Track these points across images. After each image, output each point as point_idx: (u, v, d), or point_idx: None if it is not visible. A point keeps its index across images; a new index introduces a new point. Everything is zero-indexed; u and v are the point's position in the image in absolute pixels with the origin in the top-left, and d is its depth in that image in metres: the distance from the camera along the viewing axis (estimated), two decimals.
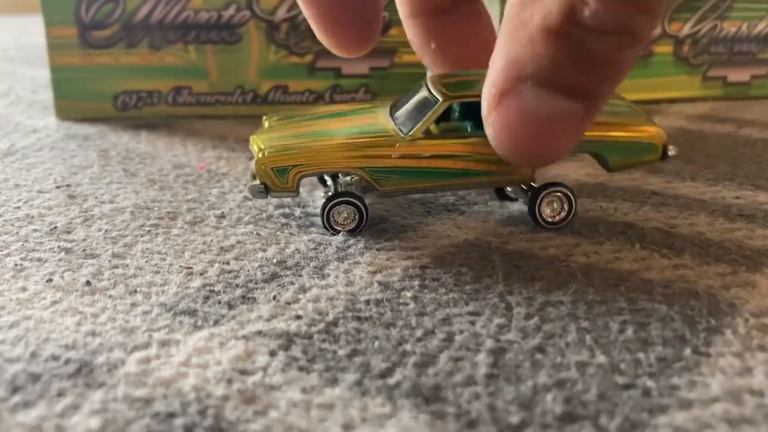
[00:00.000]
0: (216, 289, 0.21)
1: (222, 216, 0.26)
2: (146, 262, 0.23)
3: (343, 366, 0.17)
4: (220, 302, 0.20)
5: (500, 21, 0.21)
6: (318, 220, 0.26)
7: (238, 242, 0.24)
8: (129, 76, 0.40)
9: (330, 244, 0.24)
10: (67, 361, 0.17)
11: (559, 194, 0.25)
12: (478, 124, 0.22)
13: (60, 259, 0.23)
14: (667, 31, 0.44)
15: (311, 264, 0.22)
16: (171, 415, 0.15)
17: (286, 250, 0.24)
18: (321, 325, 0.19)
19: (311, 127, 0.26)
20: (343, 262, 0.23)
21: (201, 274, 0.22)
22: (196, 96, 0.41)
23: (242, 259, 0.23)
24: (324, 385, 0.16)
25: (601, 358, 0.17)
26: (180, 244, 0.24)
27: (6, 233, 0.25)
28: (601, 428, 0.15)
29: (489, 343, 0.18)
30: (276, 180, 0.24)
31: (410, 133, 0.24)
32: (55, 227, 0.25)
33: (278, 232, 0.25)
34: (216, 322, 0.19)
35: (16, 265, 0.22)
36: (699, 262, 0.22)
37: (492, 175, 0.25)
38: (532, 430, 0.15)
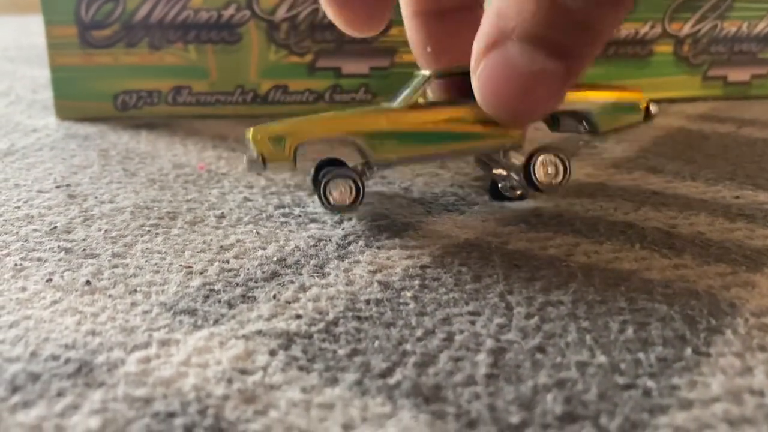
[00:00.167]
0: (216, 288, 0.21)
1: (222, 216, 0.26)
2: (146, 261, 0.23)
3: (343, 366, 0.17)
4: (220, 301, 0.20)
5: None
6: (318, 217, 0.26)
7: (238, 241, 0.24)
8: (129, 75, 0.40)
9: (330, 241, 0.24)
10: (67, 361, 0.17)
11: (552, 158, 0.25)
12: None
13: (60, 259, 0.23)
14: (668, 31, 0.44)
15: (311, 262, 0.22)
16: (171, 415, 0.15)
17: (286, 248, 0.24)
18: (321, 325, 0.19)
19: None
20: (343, 261, 0.23)
21: (201, 273, 0.22)
22: (196, 96, 0.41)
23: (242, 258, 0.23)
24: (324, 384, 0.16)
25: (602, 358, 0.17)
26: (180, 244, 0.24)
27: (6, 233, 0.25)
28: (602, 428, 0.15)
29: (489, 343, 0.18)
30: (272, 148, 0.24)
31: (399, 101, 0.25)
32: (55, 227, 0.25)
33: (278, 231, 0.25)
34: (216, 322, 0.19)
35: (15, 264, 0.22)
36: (699, 261, 0.22)
37: (484, 138, 0.25)
38: (533, 430, 0.15)
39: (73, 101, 0.40)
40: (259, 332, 0.18)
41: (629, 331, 0.18)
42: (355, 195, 0.25)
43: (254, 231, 0.25)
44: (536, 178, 0.25)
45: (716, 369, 0.17)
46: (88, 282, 0.21)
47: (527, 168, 0.25)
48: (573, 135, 0.30)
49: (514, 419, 0.15)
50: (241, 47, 0.40)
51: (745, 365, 0.17)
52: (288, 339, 0.18)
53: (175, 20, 0.40)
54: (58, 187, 0.29)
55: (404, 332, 0.18)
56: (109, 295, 0.20)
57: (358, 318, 0.19)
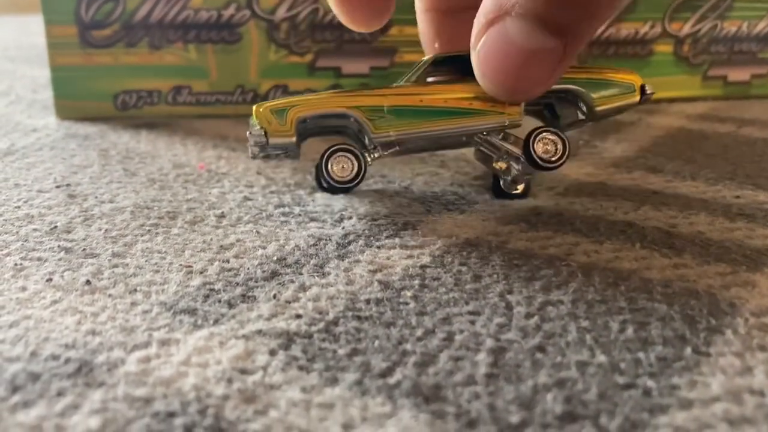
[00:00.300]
0: (216, 287, 0.21)
1: (222, 215, 0.26)
2: (146, 261, 0.23)
3: (343, 365, 0.17)
4: (220, 301, 0.20)
5: None
6: (318, 216, 0.26)
7: (238, 240, 0.24)
8: (129, 75, 0.40)
9: (330, 240, 0.24)
10: (67, 361, 0.17)
11: (551, 136, 0.25)
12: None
13: (60, 259, 0.23)
14: (668, 31, 0.44)
15: (311, 262, 0.22)
16: (171, 415, 0.15)
17: (286, 247, 0.24)
18: (321, 325, 0.19)
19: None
20: (343, 261, 0.23)
21: (201, 273, 0.22)
22: (196, 95, 0.41)
23: (242, 257, 0.23)
24: (324, 384, 0.16)
25: (602, 358, 0.17)
26: (180, 243, 0.24)
27: (6, 233, 0.25)
28: (602, 428, 0.15)
29: (489, 343, 0.18)
30: (274, 121, 0.25)
31: (402, 82, 0.26)
32: (55, 227, 0.25)
33: (278, 230, 0.25)
34: (216, 321, 0.19)
35: (16, 264, 0.22)
36: (699, 261, 0.22)
37: (482, 114, 0.25)
38: (532, 430, 0.15)
39: (73, 101, 0.40)
40: (259, 332, 0.18)
41: (629, 331, 0.18)
42: (357, 171, 0.25)
43: (254, 230, 0.25)
44: (536, 154, 0.25)
45: (716, 369, 0.17)
46: (88, 282, 0.21)
47: (526, 145, 0.25)
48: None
49: (514, 419, 0.15)
50: (241, 47, 0.40)
51: (745, 365, 0.17)
52: (288, 339, 0.18)
53: (175, 20, 0.40)
54: (58, 186, 0.29)
55: (404, 332, 0.18)
56: (109, 295, 0.20)
57: (358, 318, 0.19)
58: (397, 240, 0.24)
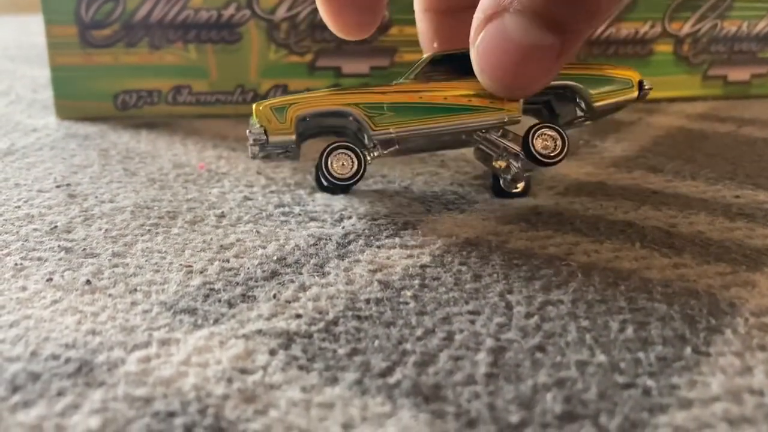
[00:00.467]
0: (216, 287, 0.21)
1: (222, 215, 0.26)
2: (146, 260, 0.23)
3: (343, 365, 0.17)
4: (220, 301, 0.20)
5: None
6: (318, 216, 0.26)
7: (238, 240, 0.24)
8: (129, 75, 0.40)
9: (330, 240, 0.24)
10: (67, 360, 0.17)
11: (550, 131, 0.25)
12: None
13: (60, 259, 0.23)
14: (668, 30, 0.44)
15: (311, 261, 0.22)
16: (171, 415, 0.15)
17: (286, 246, 0.24)
18: (321, 324, 0.19)
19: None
20: (343, 260, 0.23)
21: (201, 273, 0.22)
22: (196, 95, 0.41)
23: (242, 257, 0.23)
24: (324, 384, 0.16)
25: (601, 358, 0.17)
26: (180, 243, 0.24)
27: (6, 232, 0.25)
28: (601, 427, 0.15)
29: (489, 342, 0.18)
30: (274, 119, 0.25)
31: (401, 80, 0.26)
32: (55, 226, 0.25)
33: (278, 229, 0.25)
34: (216, 321, 0.19)
35: (16, 264, 0.22)
36: (699, 261, 0.22)
37: (480, 111, 0.25)
38: (532, 430, 0.15)
39: (73, 101, 0.40)
40: (259, 332, 0.18)
41: (629, 331, 0.18)
42: (356, 168, 0.25)
43: (254, 230, 0.25)
44: (535, 149, 0.25)
45: (716, 368, 0.17)
46: (88, 281, 0.21)
47: (526, 140, 0.25)
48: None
49: (514, 418, 0.15)
50: (241, 47, 0.40)
51: (744, 365, 0.17)
52: (288, 338, 0.18)
53: (175, 20, 0.40)
54: (58, 186, 0.29)
55: (404, 331, 0.18)
56: (110, 295, 0.20)
57: (358, 317, 0.19)
58: (397, 240, 0.24)
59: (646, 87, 0.27)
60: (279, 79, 0.41)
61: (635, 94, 0.27)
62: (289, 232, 0.25)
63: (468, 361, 0.17)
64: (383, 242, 0.24)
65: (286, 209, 0.27)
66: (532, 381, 0.16)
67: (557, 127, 0.25)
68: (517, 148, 0.26)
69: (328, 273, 0.22)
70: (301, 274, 0.22)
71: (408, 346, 0.18)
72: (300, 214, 0.26)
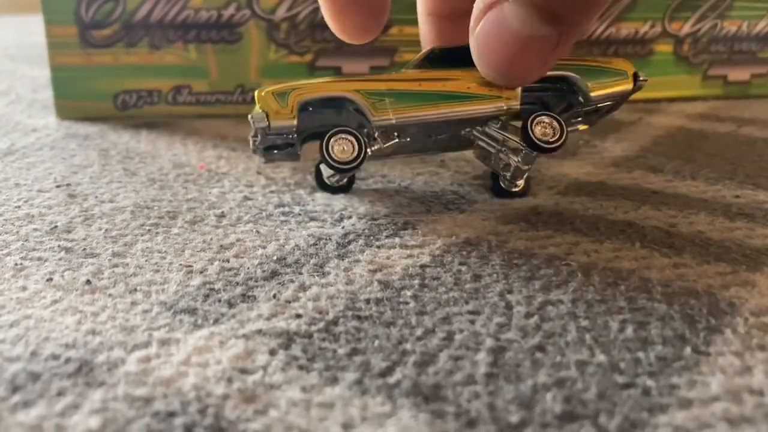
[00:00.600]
0: (216, 287, 0.21)
1: (222, 215, 0.26)
2: (146, 260, 0.23)
3: (343, 365, 0.17)
4: (220, 300, 0.20)
5: None
6: (318, 216, 0.26)
7: (238, 240, 0.24)
8: (129, 75, 0.40)
9: (330, 240, 0.24)
10: (67, 360, 0.17)
11: (549, 120, 0.25)
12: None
13: (60, 258, 0.23)
14: (668, 30, 0.44)
15: (311, 261, 0.22)
16: (171, 414, 0.15)
17: (286, 246, 0.24)
18: (321, 324, 0.19)
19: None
20: (343, 260, 0.23)
21: (201, 273, 0.22)
22: (196, 95, 0.41)
23: (242, 257, 0.23)
24: (324, 384, 0.16)
25: (601, 357, 0.17)
26: (180, 243, 0.24)
27: (6, 232, 0.25)
28: (601, 427, 0.15)
29: (489, 342, 0.18)
30: (276, 103, 0.25)
31: (401, 71, 0.27)
32: (56, 226, 0.25)
33: (278, 229, 0.25)
34: (216, 321, 0.19)
35: (16, 264, 0.22)
36: (699, 261, 0.22)
37: (479, 99, 0.26)
38: (532, 429, 0.15)
39: (73, 101, 0.40)
40: (259, 332, 0.18)
41: (629, 331, 0.18)
42: (357, 152, 0.25)
43: (254, 230, 0.25)
44: (534, 136, 0.25)
45: (715, 368, 0.17)
46: (88, 281, 0.21)
47: (525, 127, 0.25)
48: (573, 133, 0.30)
49: (514, 418, 0.15)
50: (241, 47, 0.40)
51: (744, 364, 0.17)
52: (288, 338, 0.18)
53: (175, 20, 0.40)
54: (58, 186, 0.29)
55: (404, 331, 0.18)
56: (110, 295, 0.20)
57: (358, 317, 0.19)
58: (397, 239, 0.24)
59: (641, 78, 0.27)
60: (279, 79, 0.41)
61: (630, 85, 0.27)
62: (289, 232, 0.25)
63: (468, 361, 0.17)
64: (383, 242, 0.24)
65: (286, 209, 0.27)
66: (532, 381, 0.16)
67: (555, 115, 0.26)
68: (517, 139, 0.26)
69: (328, 273, 0.22)
70: (301, 274, 0.22)
71: (408, 346, 0.18)
72: (300, 214, 0.26)
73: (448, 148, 0.30)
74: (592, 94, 0.26)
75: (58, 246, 0.24)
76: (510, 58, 0.23)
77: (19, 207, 0.27)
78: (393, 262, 0.22)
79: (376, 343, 0.18)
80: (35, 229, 0.25)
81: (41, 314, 0.19)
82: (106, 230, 0.25)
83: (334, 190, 0.29)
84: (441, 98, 0.26)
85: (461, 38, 0.28)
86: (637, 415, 0.15)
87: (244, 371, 0.17)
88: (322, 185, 0.29)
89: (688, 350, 0.18)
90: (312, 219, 0.26)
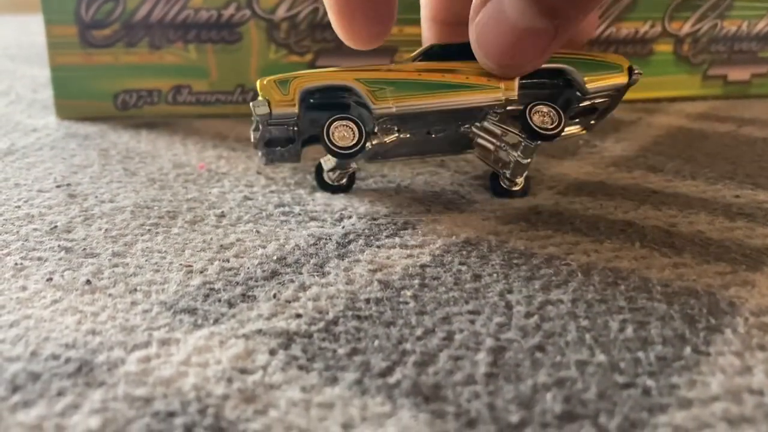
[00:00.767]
0: (216, 287, 0.21)
1: (222, 215, 0.26)
2: (146, 260, 0.23)
3: (342, 365, 0.17)
4: (220, 300, 0.20)
5: None
6: (318, 216, 0.26)
7: (238, 240, 0.24)
8: (129, 75, 0.40)
9: (330, 239, 0.24)
10: (67, 360, 0.17)
11: (547, 108, 0.26)
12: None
13: (60, 258, 0.23)
14: (668, 30, 0.44)
15: (311, 261, 0.22)
16: (171, 414, 0.15)
17: (286, 246, 0.24)
18: (321, 324, 0.19)
19: None
20: (343, 260, 0.23)
21: (201, 272, 0.22)
22: (196, 95, 0.41)
23: (242, 257, 0.23)
24: (324, 384, 0.16)
25: (601, 357, 0.17)
26: (180, 243, 0.24)
27: (6, 232, 0.25)
28: (601, 427, 0.15)
29: (489, 342, 0.18)
30: (277, 91, 0.25)
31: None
32: (56, 226, 0.25)
33: (278, 229, 0.25)
34: (216, 321, 0.19)
35: (16, 264, 0.22)
36: (699, 260, 0.22)
37: (478, 89, 0.26)
38: (532, 429, 0.15)
39: (73, 101, 0.40)
40: (259, 331, 0.18)
41: (629, 330, 0.18)
42: (358, 138, 0.25)
43: (254, 230, 0.25)
44: (533, 124, 0.25)
45: (715, 368, 0.17)
46: (88, 281, 0.21)
47: (524, 116, 0.26)
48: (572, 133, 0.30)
49: (514, 418, 0.15)
50: (241, 47, 0.40)
51: (744, 364, 0.17)
52: (288, 338, 0.18)
53: (175, 20, 0.40)
54: (58, 186, 0.29)
55: (404, 331, 0.18)
56: (110, 295, 0.20)
57: (358, 317, 0.19)
58: (396, 239, 0.24)
59: (636, 71, 0.27)
60: None
61: (626, 78, 0.27)
62: (289, 232, 0.25)
63: (468, 360, 0.17)
64: (383, 242, 0.24)
65: (286, 209, 0.27)
66: (531, 381, 0.16)
67: (551, 104, 0.26)
68: (516, 131, 0.26)
69: (328, 273, 0.22)
70: (301, 273, 0.22)
71: (408, 346, 0.18)
72: (300, 214, 0.26)
73: (448, 151, 0.30)
74: (588, 86, 0.26)
75: (58, 246, 0.24)
76: (507, 49, 0.23)
77: (19, 207, 0.27)
78: (393, 262, 0.22)
79: (376, 343, 0.18)
80: (35, 229, 0.25)
81: (41, 314, 0.19)
82: (106, 230, 0.25)
83: (334, 189, 0.29)
84: (440, 87, 0.26)
85: None
86: (637, 415, 0.15)
87: (244, 371, 0.17)
88: (322, 185, 0.29)
89: (688, 350, 0.18)
90: (312, 219, 0.26)
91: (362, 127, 0.25)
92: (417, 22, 0.30)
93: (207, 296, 0.20)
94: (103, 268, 0.22)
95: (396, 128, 0.27)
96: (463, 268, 0.22)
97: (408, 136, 0.27)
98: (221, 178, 0.31)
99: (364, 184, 0.30)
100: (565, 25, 0.22)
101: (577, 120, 0.29)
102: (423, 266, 0.22)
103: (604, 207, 0.27)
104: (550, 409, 0.15)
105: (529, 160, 0.27)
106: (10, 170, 0.32)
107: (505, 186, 0.28)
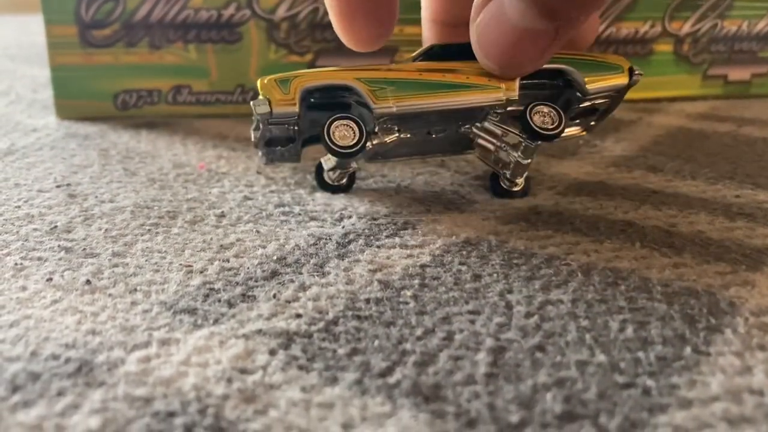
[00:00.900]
0: (216, 287, 0.21)
1: (222, 215, 0.26)
2: (146, 260, 0.23)
3: (342, 365, 0.17)
4: (220, 300, 0.20)
5: None
6: (318, 216, 0.26)
7: (238, 240, 0.24)
8: (129, 75, 0.40)
9: (330, 239, 0.24)
10: (67, 360, 0.17)
11: (547, 109, 0.26)
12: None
13: (60, 258, 0.23)
14: (668, 30, 0.44)
15: (311, 261, 0.22)
16: (171, 414, 0.15)
17: (286, 246, 0.24)
18: (321, 324, 0.19)
19: None
20: (343, 260, 0.23)
21: (201, 273, 0.22)
22: (196, 95, 0.41)
23: (242, 257, 0.23)
24: (324, 384, 0.16)
25: (601, 357, 0.17)
26: (180, 243, 0.24)
27: (6, 232, 0.25)
28: (601, 427, 0.15)
29: (489, 342, 0.18)
30: (278, 91, 0.25)
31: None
32: (55, 226, 0.25)
33: (278, 229, 0.25)
34: (216, 321, 0.19)
35: (16, 264, 0.22)
36: (699, 260, 0.22)
37: (481, 88, 0.26)
38: (532, 429, 0.15)
39: (74, 101, 0.40)
40: (259, 331, 0.18)
41: (629, 330, 0.18)
42: (359, 136, 0.25)
43: (254, 230, 0.25)
44: (534, 124, 0.25)
45: (716, 368, 0.17)
46: (88, 281, 0.21)
47: (524, 116, 0.26)
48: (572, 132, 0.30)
49: (514, 418, 0.15)
50: (241, 46, 0.40)
51: (744, 364, 0.17)
52: (288, 338, 0.18)
53: (175, 20, 0.40)
54: (58, 186, 0.29)
55: (404, 331, 0.18)
56: (109, 295, 0.20)
57: (358, 317, 0.19)
58: (396, 239, 0.24)
59: (636, 72, 0.27)
60: None
61: (626, 79, 0.27)
62: (289, 232, 0.25)
63: (468, 361, 0.17)
64: (383, 242, 0.24)
65: (286, 209, 0.27)
66: (531, 381, 0.16)
67: (551, 104, 0.26)
68: (516, 131, 0.26)
69: (328, 273, 0.22)
70: (301, 273, 0.22)
71: (408, 346, 0.18)
72: (300, 214, 0.26)
73: (449, 152, 0.30)
74: (589, 87, 0.26)
75: (58, 246, 0.24)
76: (507, 50, 0.23)
77: (19, 207, 0.27)
78: (393, 262, 0.22)
79: (376, 343, 0.18)
80: (35, 229, 0.25)
81: (41, 314, 0.19)
82: (106, 230, 0.25)
83: (334, 189, 0.29)
84: (441, 87, 0.26)
85: None
86: (637, 415, 0.15)
87: (244, 371, 0.17)
88: (322, 185, 0.29)
89: (688, 350, 0.18)
90: (312, 219, 0.26)
91: (363, 127, 0.25)
92: (418, 22, 0.30)
93: (207, 296, 0.20)
94: (103, 268, 0.22)
95: (396, 128, 0.27)
96: (463, 268, 0.22)
97: (408, 136, 0.27)
98: (221, 178, 0.31)
99: (364, 184, 0.30)
100: (566, 26, 0.22)
101: (577, 121, 0.29)
102: (423, 266, 0.22)
103: (604, 207, 0.27)
104: (550, 409, 0.15)
105: (529, 160, 0.27)
106: (10, 170, 0.32)
107: (505, 186, 0.28)
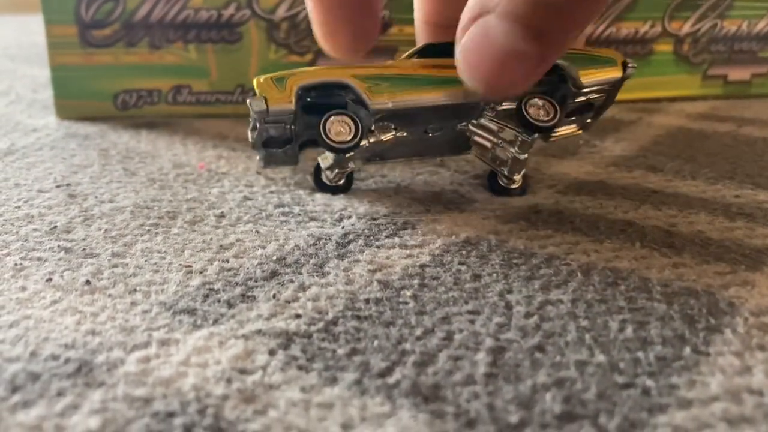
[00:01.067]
0: (215, 287, 0.21)
1: (222, 215, 0.26)
2: (146, 261, 0.23)
3: (342, 365, 0.17)
4: (219, 301, 0.20)
5: None
6: (318, 216, 0.26)
7: (238, 240, 0.24)
8: (129, 75, 0.40)
9: (330, 240, 0.24)
10: (67, 361, 0.17)
11: (542, 102, 0.26)
12: None
13: (60, 259, 0.23)
14: (668, 30, 0.44)
15: (311, 261, 0.22)
16: (170, 415, 0.15)
17: (286, 246, 0.24)
18: (320, 324, 0.19)
19: None
20: (342, 260, 0.23)
21: (200, 273, 0.22)
22: (196, 95, 0.41)
23: (242, 257, 0.23)
24: (323, 384, 0.16)
25: (601, 357, 0.17)
26: (179, 243, 0.24)
27: (6, 232, 0.25)
28: (601, 427, 0.15)
29: (488, 342, 0.18)
30: (274, 89, 0.25)
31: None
32: (55, 226, 0.25)
33: (277, 229, 0.25)
34: (215, 321, 0.19)
35: (15, 264, 0.22)
36: (699, 260, 0.22)
37: None
38: (531, 430, 0.15)
39: (74, 100, 0.40)
40: (259, 332, 0.18)
41: (628, 330, 0.18)
42: (355, 131, 0.25)
43: (254, 230, 0.25)
44: (530, 116, 0.25)
45: (715, 368, 0.17)
46: (87, 281, 0.21)
47: (519, 109, 0.26)
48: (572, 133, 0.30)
49: (513, 418, 0.15)
50: (241, 46, 0.40)
51: (744, 364, 0.17)
52: (287, 338, 0.18)
53: (175, 20, 0.40)
54: (58, 186, 0.29)
55: (403, 331, 0.18)
56: (109, 295, 0.20)
57: (358, 317, 0.19)
58: (396, 239, 0.24)
59: (630, 65, 0.27)
60: None
61: (620, 72, 0.27)
62: (288, 232, 0.25)
63: (467, 361, 0.17)
64: (383, 242, 0.24)
65: (286, 209, 0.27)
66: (531, 381, 0.16)
67: (546, 97, 0.26)
68: (512, 125, 0.26)
69: (328, 273, 0.22)
70: (300, 274, 0.22)
71: (407, 346, 0.18)
72: (300, 214, 0.26)
73: (447, 152, 0.30)
74: (583, 80, 0.26)
75: (58, 246, 0.24)
76: (493, 72, 0.22)
77: (19, 207, 0.27)
78: (393, 262, 0.22)
79: (376, 343, 0.18)
80: (35, 229, 0.25)
81: (41, 314, 0.19)
82: (106, 230, 0.25)
83: (332, 190, 0.29)
84: (437, 82, 0.26)
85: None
86: (636, 415, 0.15)
87: (243, 371, 0.17)
88: (321, 186, 0.29)
89: (687, 350, 0.18)
90: (312, 219, 0.26)
91: (359, 123, 0.25)
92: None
93: (206, 296, 0.20)
94: (103, 269, 0.22)
95: (393, 126, 0.27)
96: (463, 267, 0.22)
97: (405, 134, 0.27)
98: (221, 178, 0.31)
99: (363, 184, 0.30)
100: (552, 48, 0.22)
101: (573, 118, 0.29)
102: (423, 266, 0.22)
103: (604, 207, 0.27)
104: (549, 410, 0.15)
105: (526, 155, 0.27)
106: (10, 170, 0.32)
107: (503, 184, 0.28)
